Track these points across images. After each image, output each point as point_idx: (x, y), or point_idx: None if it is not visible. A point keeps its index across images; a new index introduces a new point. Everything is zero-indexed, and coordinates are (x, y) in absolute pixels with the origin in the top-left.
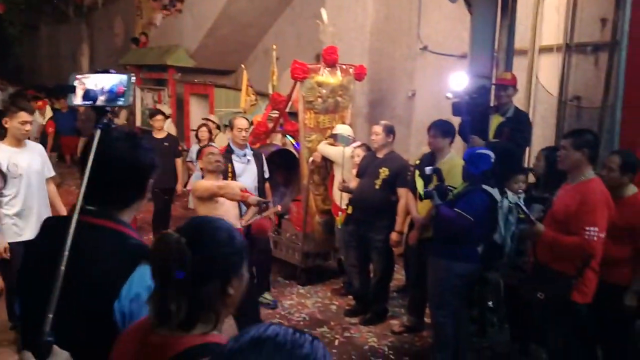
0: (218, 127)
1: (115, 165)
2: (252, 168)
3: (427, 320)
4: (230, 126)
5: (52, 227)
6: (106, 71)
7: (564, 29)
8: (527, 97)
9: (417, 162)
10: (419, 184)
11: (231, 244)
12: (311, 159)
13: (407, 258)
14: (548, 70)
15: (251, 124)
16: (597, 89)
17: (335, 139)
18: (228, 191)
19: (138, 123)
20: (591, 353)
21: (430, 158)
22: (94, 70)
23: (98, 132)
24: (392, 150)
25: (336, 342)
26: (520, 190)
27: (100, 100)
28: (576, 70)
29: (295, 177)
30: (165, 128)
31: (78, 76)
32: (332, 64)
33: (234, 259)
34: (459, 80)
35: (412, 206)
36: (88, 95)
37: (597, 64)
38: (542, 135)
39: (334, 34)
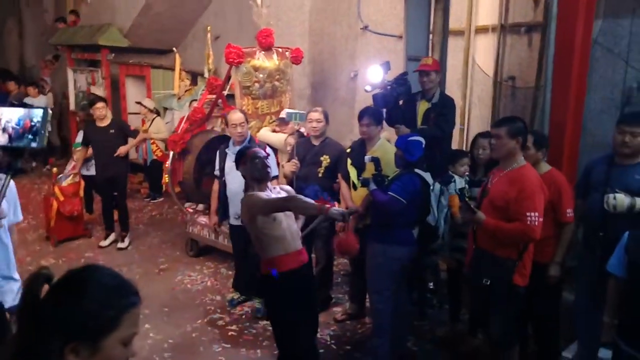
0: (157, 112)
1: None
2: None
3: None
4: (225, 122)
5: None
6: (23, 104)
7: (498, 10)
8: (465, 77)
9: (348, 150)
10: (352, 173)
11: (89, 303)
12: None
13: None
14: (484, 51)
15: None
16: (531, 69)
17: (283, 121)
18: (298, 204)
19: (72, 107)
20: (524, 330)
21: (361, 146)
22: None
23: (9, 178)
24: (327, 137)
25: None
26: (467, 174)
27: (10, 137)
28: (511, 50)
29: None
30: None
31: None
32: (267, 47)
33: (82, 320)
34: (376, 73)
35: (346, 195)
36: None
37: (530, 44)
38: (479, 115)
39: (268, 15)
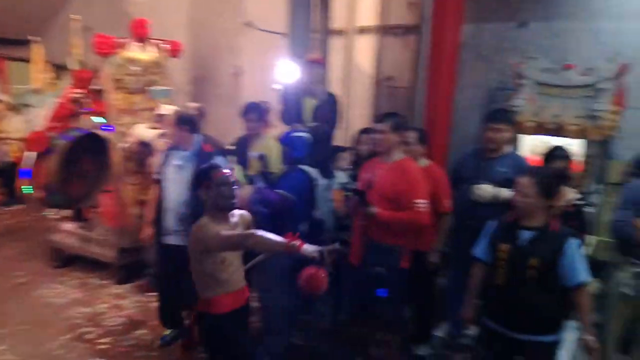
0: (15, 109)
1: None
2: (183, 176)
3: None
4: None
5: None
6: None
7: (377, 11)
8: (346, 76)
9: (232, 147)
10: (237, 170)
11: None
12: (125, 144)
13: None
14: (364, 51)
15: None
16: (407, 70)
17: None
18: (261, 241)
19: None
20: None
21: (245, 142)
22: None
23: None
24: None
25: (156, 345)
26: (347, 167)
27: None
28: (389, 51)
29: (106, 165)
30: None
31: None
32: (142, 39)
33: None
34: (287, 69)
35: None
36: None
37: (406, 45)
38: (359, 114)
39: (144, 4)
